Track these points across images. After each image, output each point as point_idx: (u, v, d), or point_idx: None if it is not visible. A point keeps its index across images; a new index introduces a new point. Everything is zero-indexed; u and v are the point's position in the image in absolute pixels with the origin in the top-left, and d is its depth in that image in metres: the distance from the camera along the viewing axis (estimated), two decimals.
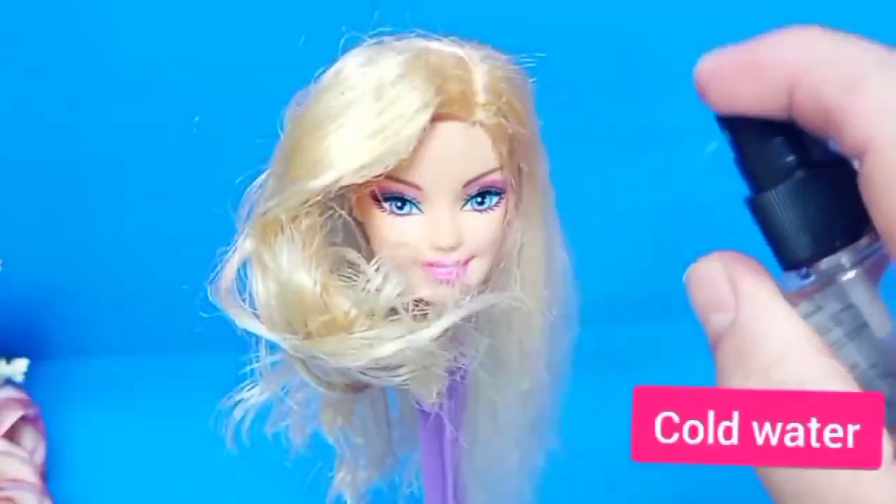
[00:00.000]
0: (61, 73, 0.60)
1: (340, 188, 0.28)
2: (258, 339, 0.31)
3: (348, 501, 0.39)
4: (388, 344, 0.28)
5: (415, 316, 0.29)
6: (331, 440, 0.36)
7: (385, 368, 0.29)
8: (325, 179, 0.27)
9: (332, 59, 0.29)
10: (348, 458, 0.38)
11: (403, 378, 0.29)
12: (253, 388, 0.33)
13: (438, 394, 0.31)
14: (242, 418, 0.34)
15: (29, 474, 0.54)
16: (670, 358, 0.56)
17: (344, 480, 0.39)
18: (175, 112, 0.60)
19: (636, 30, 0.61)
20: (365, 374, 0.29)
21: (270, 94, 0.28)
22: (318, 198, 0.28)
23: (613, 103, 0.60)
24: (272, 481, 0.53)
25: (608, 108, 0.60)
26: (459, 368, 0.31)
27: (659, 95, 0.60)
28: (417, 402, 0.32)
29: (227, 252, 0.30)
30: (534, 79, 0.30)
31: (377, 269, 0.29)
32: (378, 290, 0.28)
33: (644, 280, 0.63)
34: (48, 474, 0.57)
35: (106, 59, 0.60)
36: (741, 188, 0.26)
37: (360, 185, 0.29)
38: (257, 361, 0.32)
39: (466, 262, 0.29)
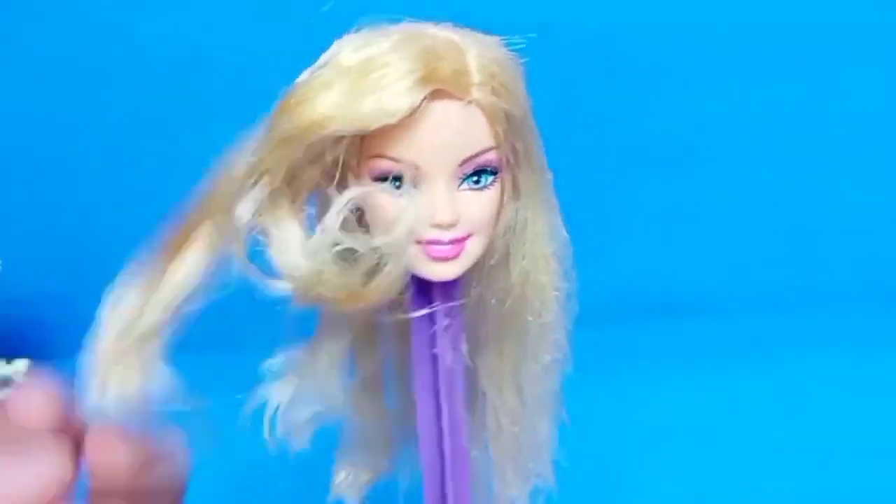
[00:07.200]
0: (62, 74, 0.60)
1: (337, 162, 0.28)
2: (263, 338, 0.31)
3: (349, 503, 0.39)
4: (393, 271, 0.29)
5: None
6: (358, 425, 0.37)
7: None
8: (319, 131, 0.27)
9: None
10: (353, 455, 0.38)
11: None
12: (274, 386, 0.33)
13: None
14: (261, 416, 0.33)
15: None
16: (670, 358, 0.57)
17: (345, 481, 0.39)
18: (174, 113, 0.61)
19: (627, 14, 0.61)
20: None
21: (270, 93, 0.28)
22: (311, 151, 0.28)
23: (612, 98, 0.60)
24: (274, 482, 0.53)
25: (606, 102, 0.60)
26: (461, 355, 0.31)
27: (652, 85, 0.60)
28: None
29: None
30: (524, 60, 0.30)
31: (374, 251, 0.29)
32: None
33: (645, 280, 0.63)
34: None
35: (106, 62, 0.60)
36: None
37: (359, 166, 0.29)
38: (272, 360, 0.33)
39: (463, 239, 0.29)
